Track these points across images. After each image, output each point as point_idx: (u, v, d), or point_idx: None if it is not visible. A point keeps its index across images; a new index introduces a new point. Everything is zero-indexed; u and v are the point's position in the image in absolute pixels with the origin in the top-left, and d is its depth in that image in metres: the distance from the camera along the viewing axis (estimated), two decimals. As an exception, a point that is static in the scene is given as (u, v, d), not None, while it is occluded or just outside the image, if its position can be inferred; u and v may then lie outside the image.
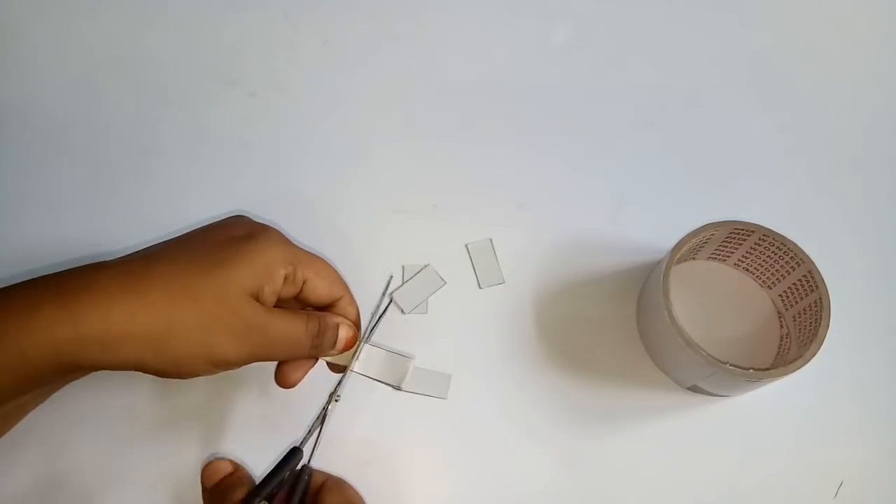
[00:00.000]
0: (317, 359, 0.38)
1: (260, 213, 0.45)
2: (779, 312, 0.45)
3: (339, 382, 0.38)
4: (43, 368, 0.29)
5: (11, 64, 0.52)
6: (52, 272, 0.32)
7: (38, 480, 0.40)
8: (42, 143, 0.50)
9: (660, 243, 0.43)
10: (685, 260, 0.46)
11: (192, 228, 0.37)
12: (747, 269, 0.46)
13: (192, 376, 0.32)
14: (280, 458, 0.35)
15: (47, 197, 0.48)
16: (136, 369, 0.31)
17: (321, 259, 0.37)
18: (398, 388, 0.41)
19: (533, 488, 0.41)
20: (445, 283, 0.46)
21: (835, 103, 0.53)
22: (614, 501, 0.41)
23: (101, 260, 0.33)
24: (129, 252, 0.35)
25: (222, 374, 0.34)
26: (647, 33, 0.54)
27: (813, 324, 0.39)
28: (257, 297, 0.33)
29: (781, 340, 0.44)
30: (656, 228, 0.45)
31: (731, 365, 0.37)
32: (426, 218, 0.48)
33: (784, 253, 0.41)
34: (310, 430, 0.37)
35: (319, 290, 0.36)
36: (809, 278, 0.40)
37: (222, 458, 0.40)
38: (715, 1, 0.55)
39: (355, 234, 0.47)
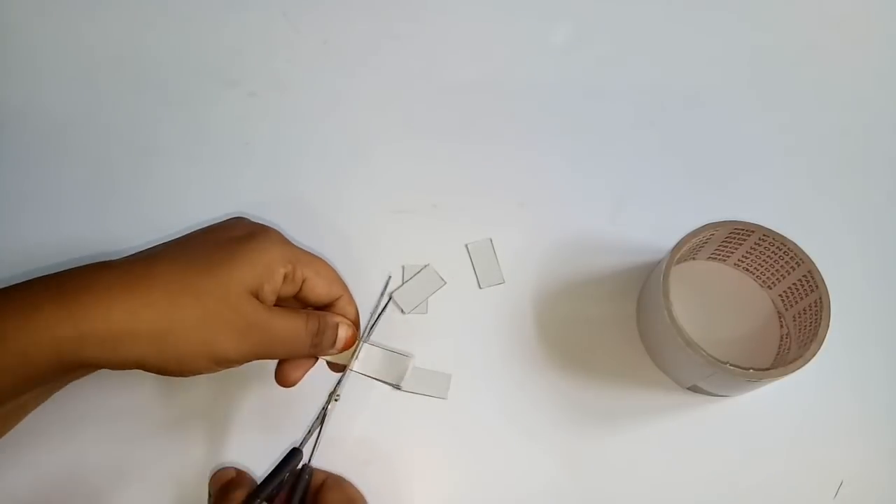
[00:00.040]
0: (316, 358, 0.38)
1: (260, 212, 0.45)
2: (779, 312, 0.45)
3: (339, 382, 0.38)
4: (44, 367, 0.29)
5: (11, 64, 0.52)
6: (51, 272, 0.32)
7: (41, 480, 0.40)
8: (42, 143, 0.50)
9: (660, 243, 0.43)
10: (685, 260, 0.46)
11: (193, 228, 0.37)
12: (747, 269, 0.46)
13: (194, 374, 0.32)
14: (280, 459, 0.35)
15: (47, 197, 0.48)
16: (138, 367, 0.31)
17: (320, 259, 0.37)
18: (398, 388, 0.41)
19: (533, 488, 0.41)
20: (445, 283, 0.46)
21: (835, 103, 0.53)
22: (614, 501, 0.41)
23: (102, 260, 0.33)
24: (130, 253, 0.35)
25: (223, 374, 0.34)
26: (648, 33, 0.54)
27: (813, 324, 0.39)
28: (257, 296, 0.33)
29: (781, 340, 0.44)
30: (656, 228, 0.45)
31: (731, 365, 0.37)
32: (426, 218, 0.48)
33: (784, 253, 0.41)
34: (310, 430, 0.37)
35: (319, 289, 0.36)
36: (809, 278, 0.40)
37: (228, 467, 0.40)
38: (715, 1, 0.55)
39: (355, 234, 0.47)
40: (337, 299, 0.37)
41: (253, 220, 0.38)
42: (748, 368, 0.37)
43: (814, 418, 0.43)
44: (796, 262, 0.41)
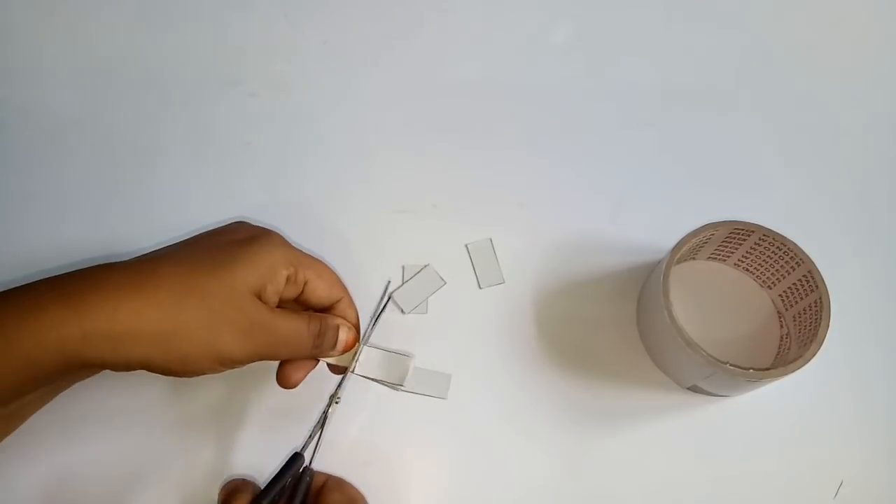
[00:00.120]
0: (317, 360, 0.38)
1: (260, 212, 0.45)
2: (779, 312, 0.45)
3: (340, 384, 0.38)
4: (49, 367, 0.30)
5: (12, 64, 0.52)
6: (55, 273, 0.33)
7: (45, 480, 0.41)
8: (43, 143, 0.50)
9: (660, 243, 0.43)
10: (685, 260, 0.46)
11: (194, 228, 0.37)
12: (747, 269, 0.46)
13: (198, 374, 0.33)
14: (282, 465, 0.35)
15: (48, 197, 0.48)
16: (143, 368, 0.31)
17: (321, 261, 0.37)
18: (399, 388, 0.41)
19: (532, 488, 0.41)
20: (445, 283, 0.46)
21: (835, 103, 0.53)
22: (614, 501, 0.41)
23: (104, 260, 0.34)
24: (132, 253, 0.35)
25: (227, 377, 0.34)
26: (647, 34, 0.54)
27: (813, 324, 0.39)
28: (260, 297, 0.34)
29: (781, 340, 0.44)
30: (656, 228, 0.45)
31: (731, 365, 0.37)
32: (426, 218, 0.48)
33: (784, 253, 0.41)
34: (311, 434, 0.37)
35: (320, 291, 0.37)
36: (809, 278, 0.40)
37: (237, 478, 0.40)
38: (715, 1, 0.55)
39: (355, 234, 0.47)
40: (337, 302, 0.38)
41: (254, 222, 0.39)
42: (748, 368, 0.37)
43: (814, 418, 0.43)
44: (796, 262, 0.41)
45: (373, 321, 0.41)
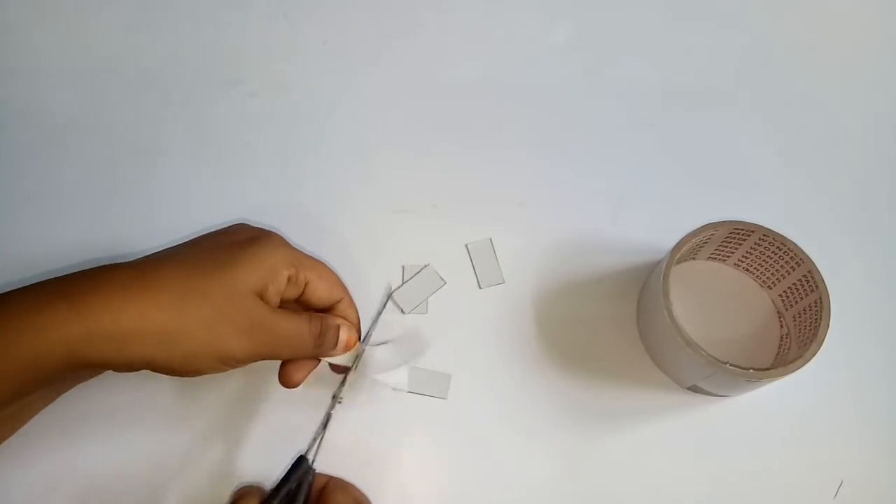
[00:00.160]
0: (318, 360, 0.38)
1: (260, 212, 0.45)
2: (779, 312, 0.45)
3: (342, 384, 0.39)
4: (52, 367, 0.30)
5: (11, 64, 0.52)
6: (54, 274, 0.33)
7: (46, 480, 0.40)
8: (42, 144, 0.50)
9: (660, 243, 0.43)
10: (685, 260, 0.46)
11: (193, 228, 0.38)
12: (747, 269, 0.46)
13: (200, 374, 0.33)
14: (288, 468, 0.35)
15: (47, 197, 0.48)
16: (146, 367, 0.32)
17: (322, 262, 0.38)
18: (399, 389, 0.41)
19: (533, 488, 0.41)
20: (445, 283, 0.46)
21: (835, 103, 0.53)
22: (614, 501, 0.41)
23: (103, 261, 0.34)
24: (131, 253, 0.35)
25: (229, 377, 0.34)
26: (647, 34, 0.54)
27: (813, 324, 0.39)
28: (262, 297, 0.34)
29: (781, 340, 0.44)
30: (656, 228, 0.45)
31: (731, 365, 0.37)
32: (426, 218, 0.48)
33: (784, 253, 0.41)
34: (315, 435, 0.37)
35: (320, 292, 0.37)
36: (809, 278, 0.40)
37: (247, 485, 0.40)
38: (714, 1, 0.55)
39: (355, 234, 0.47)
40: (338, 302, 0.38)
41: (254, 223, 0.39)
42: (748, 368, 0.37)
43: (814, 418, 0.43)
44: (796, 262, 0.41)
45: (373, 322, 0.42)
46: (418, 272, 0.46)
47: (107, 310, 0.30)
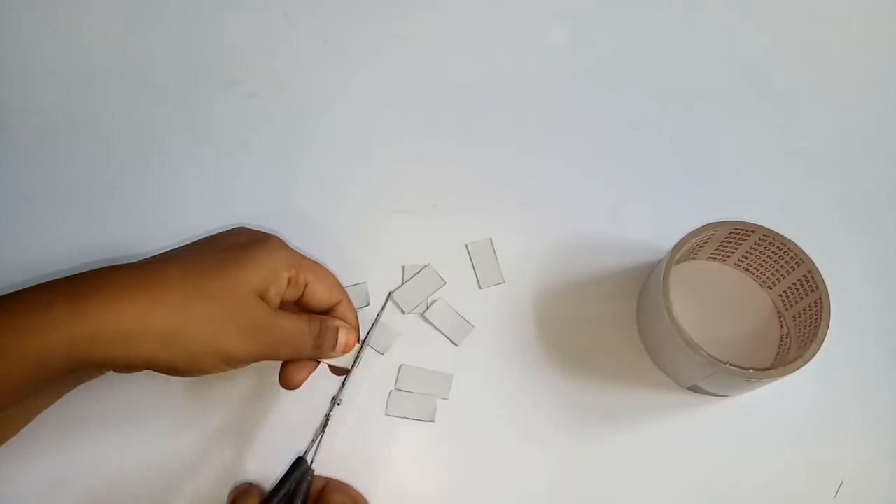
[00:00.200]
0: (318, 361, 0.38)
1: (259, 213, 0.45)
2: (779, 312, 0.45)
3: (342, 386, 0.39)
4: (56, 367, 0.30)
5: (10, 64, 0.52)
6: (52, 275, 0.33)
7: (49, 479, 0.40)
8: (40, 144, 0.50)
9: (660, 243, 0.43)
10: (685, 260, 0.46)
11: (193, 229, 0.38)
12: (747, 269, 0.46)
13: (203, 374, 0.33)
14: (286, 469, 0.35)
15: (46, 198, 0.48)
16: (148, 367, 0.32)
17: (321, 265, 0.38)
18: (400, 389, 0.41)
19: (533, 488, 0.41)
20: (445, 283, 0.46)
21: (835, 103, 0.53)
22: (614, 501, 0.41)
23: (102, 262, 0.34)
24: (131, 252, 0.35)
25: (232, 378, 0.34)
26: (647, 33, 0.54)
27: (813, 324, 0.39)
28: (263, 298, 0.34)
29: (781, 340, 0.44)
30: (656, 228, 0.45)
31: (731, 365, 0.37)
32: (426, 218, 0.48)
33: (784, 253, 0.41)
34: (314, 437, 0.37)
35: (320, 294, 0.37)
36: (809, 278, 0.40)
37: (245, 483, 0.40)
38: (715, 1, 0.55)
39: (355, 234, 0.47)
40: (337, 304, 0.38)
41: (253, 223, 0.40)
42: (748, 368, 0.37)
43: (814, 418, 0.43)
44: (796, 262, 0.41)
45: (373, 325, 0.42)
46: (418, 272, 0.46)
47: (110, 310, 0.30)
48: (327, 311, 0.38)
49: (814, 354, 0.38)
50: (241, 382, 0.43)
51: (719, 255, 0.46)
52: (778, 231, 0.41)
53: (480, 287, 0.46)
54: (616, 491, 0.41)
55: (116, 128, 0.51)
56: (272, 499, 0.34)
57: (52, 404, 0.39)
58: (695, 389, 0.43)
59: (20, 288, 0.32)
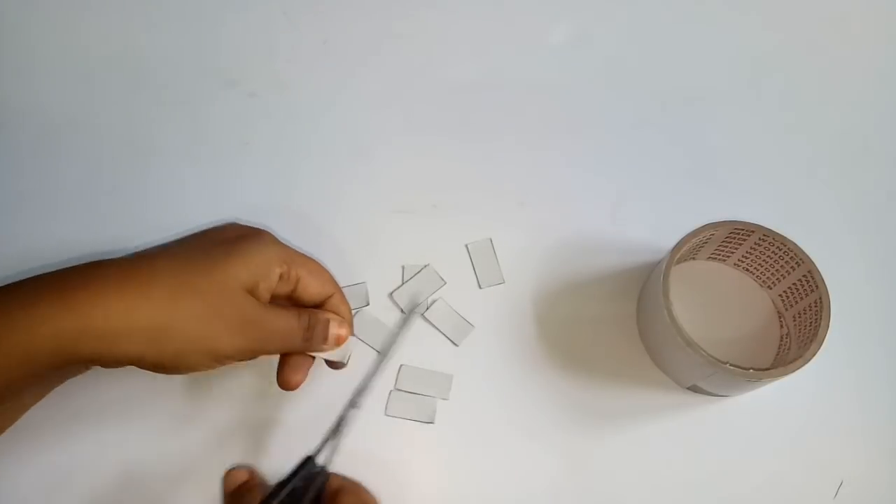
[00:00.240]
0: (313, 357, 0.38)
1: (259, 212, 0.45)
2: (779, 312, 0.45)
3: (361, 391, 0.38)
4: (43, 361, 0.30)
5: (8, 63, 0.52)
6: (49, 271, 0.33)
7: (44, 476, 0.40)
8: (39, 144, 0.50)
9: (660, 243, 0.43)
10: (685, 260, 0.46)
11: (192, 229, 0.38)
12: (747, 269, 0.46)
13: (190, 371, 0.33)
14: (294, 468, 0.35)
15: (44, 197, 0.48)
16: (135, 363, 0.32)
17: (313, 259, 0.38)
18: (400, 390, 0.41)
19: (533, 488, 0.41)
20: (445, 283, 0.46)
21: (834, 103, 0.53)
22: (614, 501, 0.41)
23: (99, 259, 0.34)
24: (130, 251, 0.35)
25: (233, 373, 0.34)
26: (648, 33, 0.54)
27: (813, 324, 0.39)
28: (253, 293, 0.34)
29: (781, 340, 0.44)
30: (656, 228, 0.45)
31: (731, 365, 0.37)
32: (426, 218, 0.48)
33: (784, 253, 0.41)
34: (325, 439, 0.36)
35: (312, 288, 0.37)
36: (809, 278, 0.40)
37: (241, 467, 0.40)
38: (715, 2, 0.55)
39: (355, 234, 0.47)
40: (329, 297, 0.38)
41: (253, 222, 0.40)
42: (748, 368, 0.37)
43: (814, 418, 0.43)
44: (796, 262, 0.41)
45: (395, 341, 0.41)
46: (418, 272, 0.46)
47: (98, 306, 0.30)
48: (320, 304, 0.38)
49: (814, 354, 0.38)
50: (242, 376, 0.43)
51: (719, 255, 0.46)
52: (778, 231, 0.41)
53: (480, 287, 0.46)
54: (616, 491, 0.41)
55: (115, 127, 0.51)
56: (275, 496, 0.33)
57: (39, 401, 0.38)
58: (695, 389, 0.43)
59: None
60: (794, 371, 0.37)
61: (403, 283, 0.46)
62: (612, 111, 0.52)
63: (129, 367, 0.33)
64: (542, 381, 0.43)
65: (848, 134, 0.52)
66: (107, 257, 0.35)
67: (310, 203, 0.48)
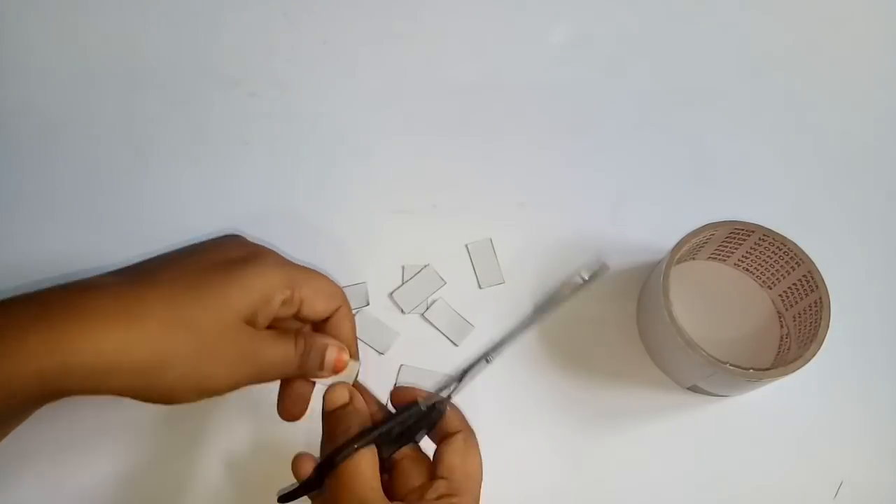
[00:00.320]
0: (313, 384, 0.36)
1: (259, 213, 0.45)
2: (779, 312, 0.45)
3: (496, 346, 0.36)
4: (25, 398, 0.28)
5: (7, 63, 0.52)
6: (46, 277, 0.31)
7: (47, 484, 0.40)
8: (38, 144, 0.50)
9: (660, 243, 0.43)
10: (685, 260, 0.46)
11: (192, 229, 0.36)
12: (747, 269, 0.46)
13: (177, 403, 0.31)
14: (401, 409, 0.33)
15: (41, 198, 0.48)
16: (124, 396, 0.30)
17: (318, 274, 0.36)
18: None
19: (533, 488, 0.41)
20: (445, 283, 0.46)
21: (834, 103, 0.53)
22: (614, 501, 0.41)
23: (97, 264, 0.33)
24: (127, 257, 0.34)
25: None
26: (648, 33, 0.54)
27: (813, 324, 0.39)
28: (251, 323, 0.32)
29: (781, 340, 0.44)
30: (656, 228, 0.45)
31: (731, 365, 0.37)
32: (426, 218, 0.48)
33: (784, 253, 0.41)
34: (445, 383, 0.34)
35: (317, 306, 0.35)
36: (809, 278, 0.40)
37: (342, 385, 0.35)
38: (715, 2, 0.55)
39: (355, 234, 0.47)
40: (335, 311, 0.36)
41: (252, 223, 0.38)
42: (748, 368, 0.37)
43: (814, 418, 0.43)
44: (796, 262, 0.41)
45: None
46: (418, 272, 0.46)
47: (88, 341, 0.28)
48: (325, 319, 0.36)
49: (814, 354, 0.38)
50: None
51: (719, 255, 0.46)
52: (778, 231, 0.41)
53: (480, 287, 0.46)
54: (616, 490, 0.41)
55: (115, 128, 0.51)
56: (373, 431, 0.32)
57: (20, 425, 0.37)
58: (695, 389, 0.43)
59: (16, 290, 0.30)
60: (794, 371, 0.37)
61: (403, 283, 0.46)
62: (612, 111, 0.52)
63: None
64: (542, 381, 0.43)
65: (848, 134, 0.52)
66: (106, 257, 0.34)
67: (310, 203, 0.48)
